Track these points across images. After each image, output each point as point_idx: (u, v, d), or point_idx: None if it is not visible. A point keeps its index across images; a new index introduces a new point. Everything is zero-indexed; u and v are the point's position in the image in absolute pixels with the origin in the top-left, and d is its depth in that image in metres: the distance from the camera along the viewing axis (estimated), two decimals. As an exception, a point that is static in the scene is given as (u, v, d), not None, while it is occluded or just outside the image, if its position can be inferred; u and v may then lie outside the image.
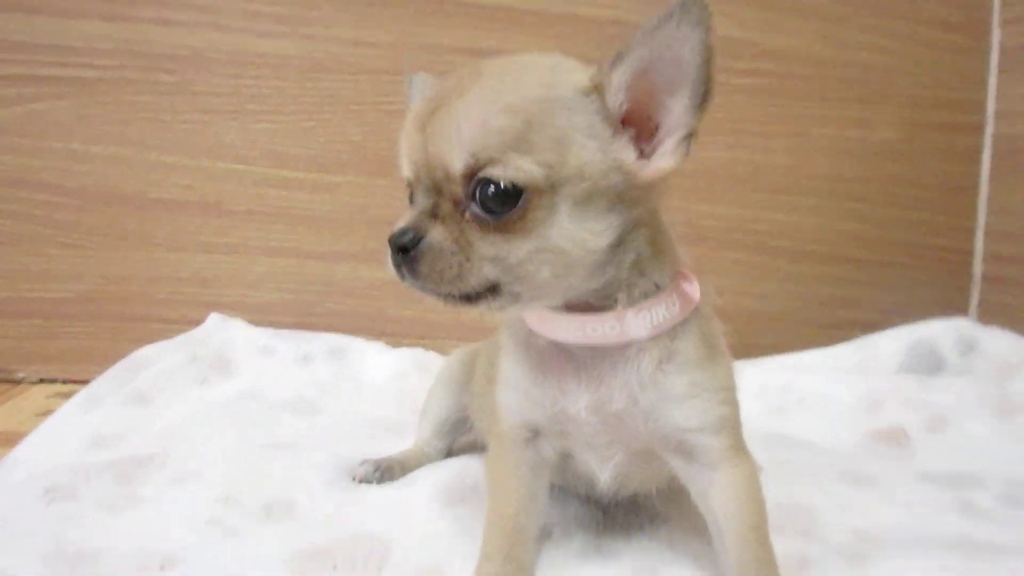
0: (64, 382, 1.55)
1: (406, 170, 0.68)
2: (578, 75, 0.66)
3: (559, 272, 0.65)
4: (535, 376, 0.74)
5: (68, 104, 1.54)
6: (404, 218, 0.66)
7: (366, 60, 1.64)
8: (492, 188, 0.62)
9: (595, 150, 0.64)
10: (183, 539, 0.75)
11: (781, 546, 0.84)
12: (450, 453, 1.11)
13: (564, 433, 0.76)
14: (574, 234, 0.64)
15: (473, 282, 0.63)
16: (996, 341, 1.60)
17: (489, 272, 0.64)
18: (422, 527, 0.85)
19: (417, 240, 0.63)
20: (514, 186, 0.62)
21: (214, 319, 1.52)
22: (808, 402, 1.41)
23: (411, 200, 0.69)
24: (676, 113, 0.64)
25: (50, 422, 1.06)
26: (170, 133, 1.59)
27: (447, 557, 0.79)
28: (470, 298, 0.64)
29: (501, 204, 0.62)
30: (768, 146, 1.86)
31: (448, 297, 0.65)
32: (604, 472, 0.78)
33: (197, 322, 1.55)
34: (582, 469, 0.80)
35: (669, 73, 0.63)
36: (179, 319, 1.58)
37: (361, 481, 0.98)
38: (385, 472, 1.01)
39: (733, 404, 0.76)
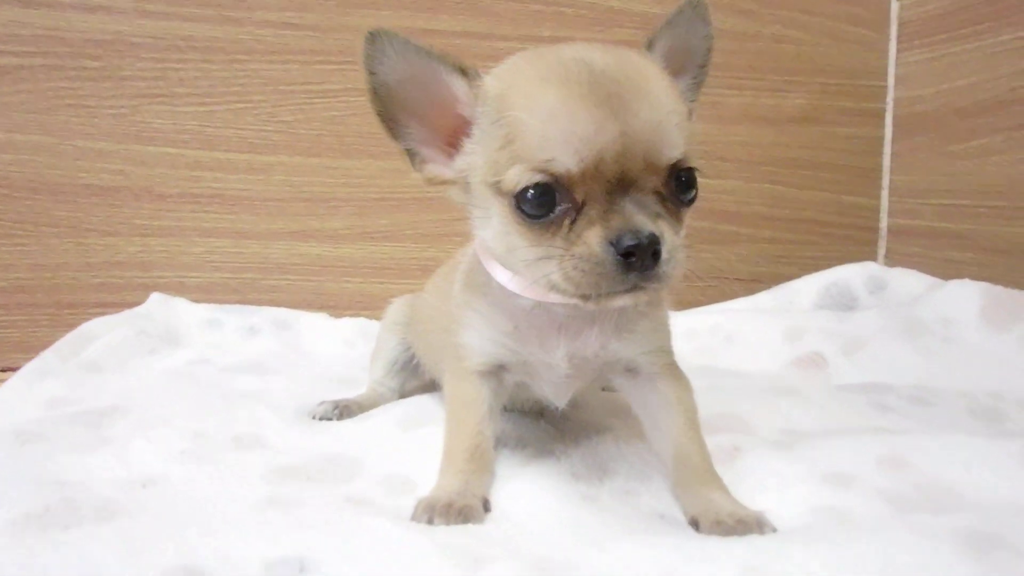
0: (3, 370, 1.52)
1: (574, 160, 0.62)
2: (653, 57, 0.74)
3: None
4: (515, 331, 0.79)
5: (-12, 93, 1.52)
6: (622, 221, 0.62)
7: (294, 42, 1.66)
8: (685, 177, 0.66)
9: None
10: (160, 466, 0.77)
11: (716, 441, 0.92)
12: (402, 396, 1.14)
13: (530, 372, 0.83)
14: None
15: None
16: (903, 278, 1.73)
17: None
18: (387, 447, 0.89)
19: (659, 242, 0.62)
20: (694, 172, 0.67)
21: (156, 297, 1.51)
22: (735, 339, 1.50)
23: (553, 209, 0.64)
24: (682, 91, 0.73)
25: (5, 389, 1.05)
26: (97, 119, 1.58)
27: (413, 467, 0.83)
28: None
29: (688, 191, 0.67)
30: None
31: (650, 291, 0.65)
32: (560, 401, 0.87)
33: (136, 305, 1.54)
34: (537, 395, 0.88)
35: (682, 58, 0.74)
36: (117, 303, 1.56)
37: (321, 419, 1.02)
38: (343, 410, 1.04)
39: (669, 332, 0.87)
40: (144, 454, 0.78)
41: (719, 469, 0.82)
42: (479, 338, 0.81)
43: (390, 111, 0.71)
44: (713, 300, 1.81)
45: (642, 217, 0.62)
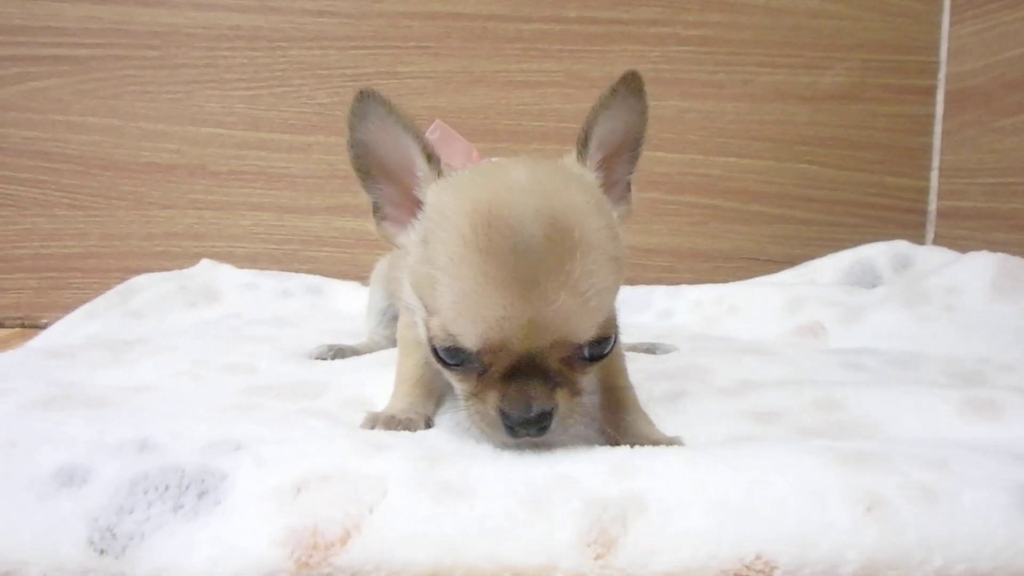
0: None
1: (479, 342, 0.64)
2: (586, 175, 0.73)
3: None
4: None
5: (64, 81, 1.73)
6: (517, 395, 0.64)
7: (330, 29, 1.80)
8: (609, 343, 0.67)
9: (621, 235, 0.71)
10: (156, 381, 0.90)
11: (668, 386, 0.98)
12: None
13: None
14: None
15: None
16: (930, 255, 1.69)
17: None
18: (356, 377, 0.99)
19: (550, 415, 0.65)
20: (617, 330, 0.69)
21: (205, 263, 1.68)
22: (739, 309, 1.52)
23: (463, 363, 0.67)
24: (620, 166, 0.77)
25: (56, 326, 1.22)
26: (156, 103, 1.76)
27: (376, 393, 0.92)
28: None
29: (608, 347, 0.68)
30: (718, 94, 1.98)
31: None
32: None
33: (190, 272, 1.72)
34: None
35: (619, 135, 0.74)
36: (174, 269, 1.74)
37: (316, 359, 1.13)
38: (338, 353, 1.15)
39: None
40: (146, 371, 0.91)
41: (661, 408, 0.88)
42: None
43: (364, 165, 0.75)
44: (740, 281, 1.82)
45: (538, 390, 0.64)
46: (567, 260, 0.62)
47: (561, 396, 0.66)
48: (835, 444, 0.68)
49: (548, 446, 0.68)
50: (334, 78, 1.81)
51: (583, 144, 0.73)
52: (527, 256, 0.61)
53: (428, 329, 0.68)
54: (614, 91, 0.71)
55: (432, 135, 0.86)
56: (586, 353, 0.67)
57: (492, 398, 0.66)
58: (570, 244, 0.63)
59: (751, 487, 0.59)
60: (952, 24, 2.05)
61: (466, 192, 0.68)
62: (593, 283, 0.63)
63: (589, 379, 0.72)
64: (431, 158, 0.72)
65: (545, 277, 0.61)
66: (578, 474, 0.62)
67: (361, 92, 0.72)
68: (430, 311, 0.67)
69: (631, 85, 0.71)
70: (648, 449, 0.67)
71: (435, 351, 0.68)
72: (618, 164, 0.77)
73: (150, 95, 1.76)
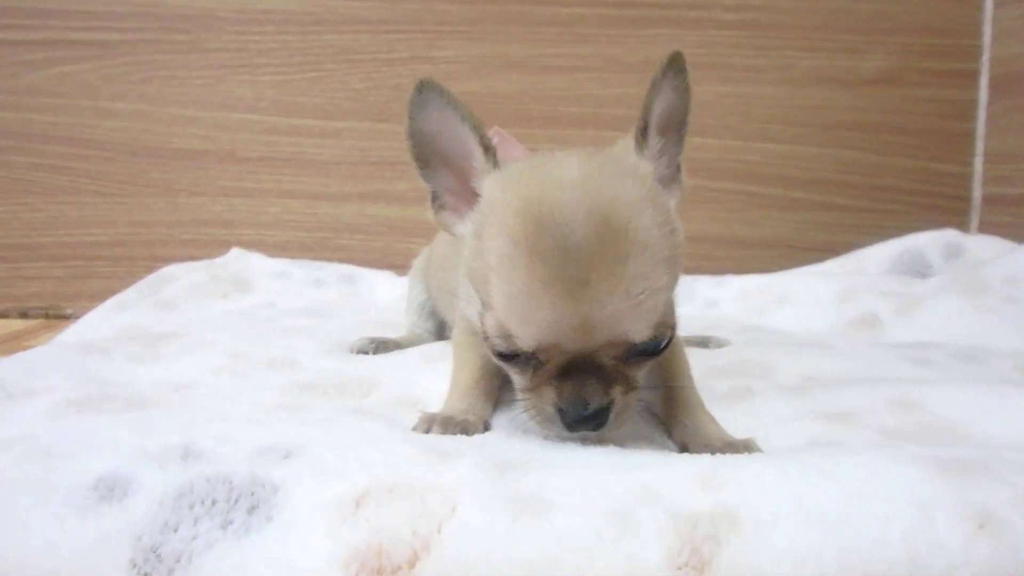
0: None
1: (532, 342, 0.64)
2: (641, 166, 0.70)
3: None
4: None
5: (93, 65, 1.69)
6: (573, 392, 0.64)
7: (363, 12, 1.75)
8: (665, 339, 0.66)
9: (679, 226, 0.70)
10: (197, 377, 0.87)
11: (732, 384, 0.94)
12: (439, 338, 1.21)
13: None
14: None
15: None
16: (982, 244, 1.64)
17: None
18: (405, 374, 0.95)
19: (607, 411, 0.65)
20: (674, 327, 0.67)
21: (235, 252, 1.65)
22: (788, 299, 1.47)
23: (518, 358, 0.66)
24: (671, 150, 0.74)
25: (87, 318, 1.20)
26: (186, 88, 1.73)
27: (426, 392, 0.89)
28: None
29: (663, 343, 0.67)
30: (757, 78, 1.92)
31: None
32: None
33: (219, 260, 1.69)
34: None
35: (668, 116, 0.73)
36: (204, 257, 1.71)
37: (358, 352, 1.10)
38: (380, 346, 1.12)
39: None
40: (185, 367, 0.88)
41: (727, 409, 0.83)
42: None
43: (423, 154, 0.74)
44: (783, 268, 1.77)
45: (594, 388, 0.64)
46: (620, 261, 0.61)
47: (617, 392, 0.65)
48: (931, 451, 0.63)
49: (623, 452, 0.64)
50: (367, 62, 1.77)
51: (643, 133, 0.71)
52: (578, 257, 0.60)
53: (484, 324, 0.67)
54: (664, 74, 0.69)
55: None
56: (640, 350, 0.66)
57: (548, 394, 0.65)
58: (623, 244, 0.61)
59: (851, 500, 0.55)
60: (996, 7, 1.99)
61: (518, 188, 0.67)
62: (647, 284, 0.62)
63: (646, 373, 0.71)
64: (488, 149, 0.72)
65: (597, 279, 0.60)
66: (659, 485, 0.57)
67: (421, 82, 0.71)
68: (485, 306, 0.67)
69: (676, 65, 0.70)
70: (733, 458, 0.63)
71: (492, 347, 0.68)
72: (668, 148, 0.74)
73: (179, 80, 1.72)
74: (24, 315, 1.75)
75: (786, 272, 1.65)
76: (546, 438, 0.69)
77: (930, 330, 1.27)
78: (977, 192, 2.08)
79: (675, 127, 0.74)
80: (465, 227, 0.73)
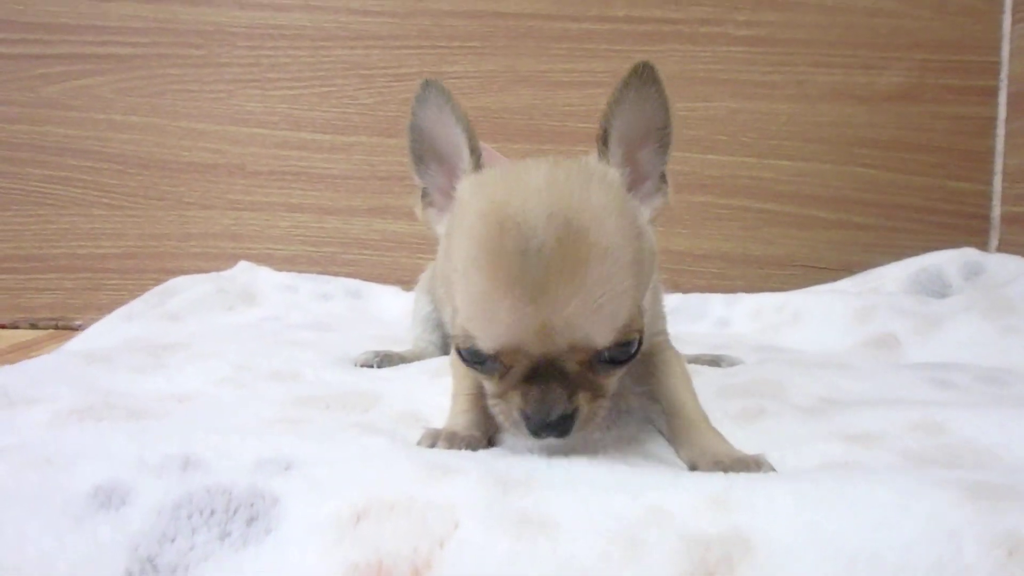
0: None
1: (493, 345, 0.63)
2: (609, 173, 0.70)
3: None
4: None
5: (107, 79, 1.70)
6: (537, 398, 0.64)
7: (374, 28, 1.76)
8: (632, 346, 0.65)
9: (649, 233, 0.71)
10: (199, 388, 0.86)
11: (744, 403, 0.90)
12: (445, 352, 1.19)
13: None
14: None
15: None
16: (1003, 263, 1.60)
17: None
18: (408, 388, 0.93)
19: (571, 418, 0.64)
20: (642, 332, 0.65)
21: (243, 264, 1.65)
22: (802, 318, 1.44)
23: (485, 362, 0.66)
24: (649, 159, 0.74)
25: (93, 328, 1.19)
26: (198, 102, 1.73)
27: (429, 408, 0.87)
28: None
29: (631, 350, 0.66)
30: (771, 95, 1.91)
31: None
32: None
33: (228, 274, 1.68)
34: None
35: (641, 128, 0.72)
36: (212, 271, 1.70)
37: (362, 365, 1.08)
38: (384, 359, 1.10)
39: (664, 316, 0.93)
40: (188, 378, 0.87)
41: (740, 428, 0.81)
42: None
43: (419, 150, 0.76)
44: (798, 287, 1.75)
45: (558, 394, 0.63)
46: (580, 264, 0.60)
47: (582, 399, 0.65)
48: (957, 474, 0.60)
49: (631, 471, 0.61)
50: (377, 78, 1.77)
51: (602, 141, 0.71)
52: (538, 261, 0.60)
53: (453, 326, 0.68)
54: (626, 84, 0.69)
55: None
56: (607, 356, 0.65)
57: (514, 399, 0.65)
58: (584, 248, 0.61)
59: (873, 529, 0.52)
60: (1014, 23, 1.97)
61: (484, 191, 0.68)
62: (608, 288, 0.61)
63: (616, 381, 0.70)
64: (474, 151, 0.72)
65: (556, 282, 0.60)
66: (670, 506, 0.55)
67: (426, 81, 0.73)
68: (452, 309, 0.67)
69: (643, 75, 0.69)
70: (746, 477, 0.60)
71: (458, 349, 0.68)
72: (646, 158, 0.74)
73: (192, 94, 1.73)
74: (34, 326, 1.75)
75: (801, 291, 1.62)
76: (551, 455, 0.67)
77: (950, 351, 1.23)
78: (996, 211, 2.04)
79: (654, 137, 0.73)
80: (442, 227, 0.74)
